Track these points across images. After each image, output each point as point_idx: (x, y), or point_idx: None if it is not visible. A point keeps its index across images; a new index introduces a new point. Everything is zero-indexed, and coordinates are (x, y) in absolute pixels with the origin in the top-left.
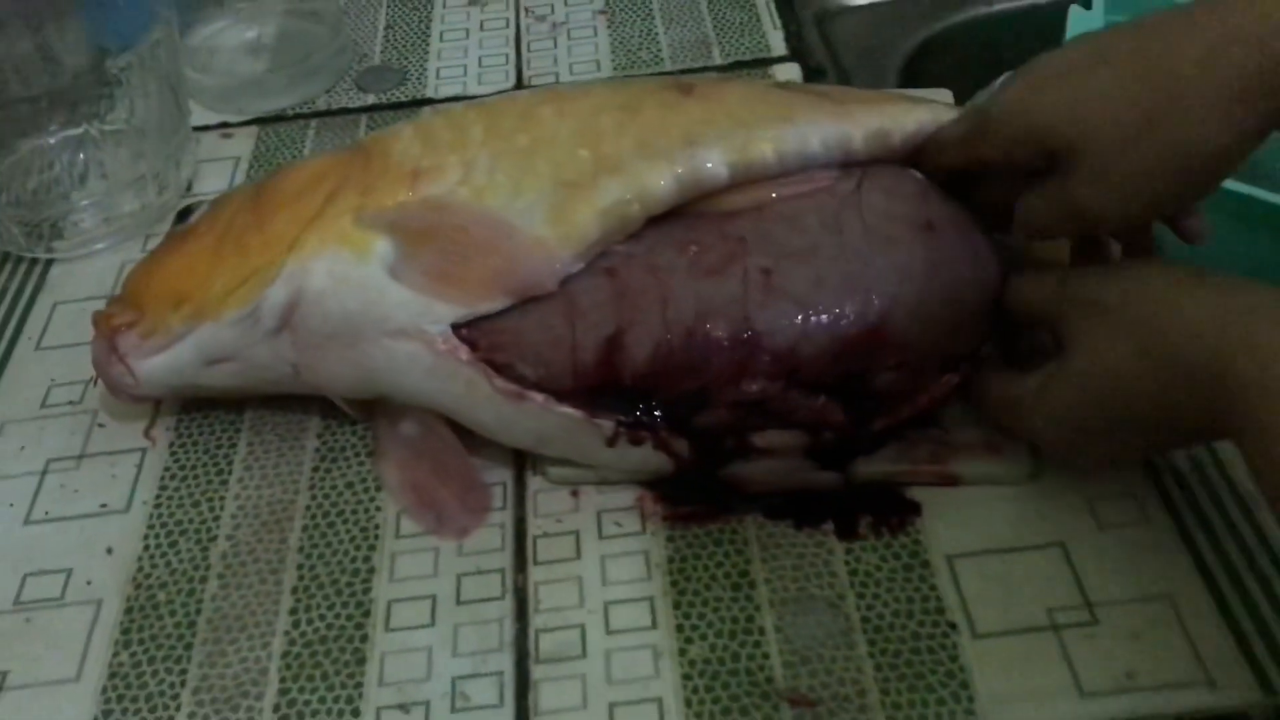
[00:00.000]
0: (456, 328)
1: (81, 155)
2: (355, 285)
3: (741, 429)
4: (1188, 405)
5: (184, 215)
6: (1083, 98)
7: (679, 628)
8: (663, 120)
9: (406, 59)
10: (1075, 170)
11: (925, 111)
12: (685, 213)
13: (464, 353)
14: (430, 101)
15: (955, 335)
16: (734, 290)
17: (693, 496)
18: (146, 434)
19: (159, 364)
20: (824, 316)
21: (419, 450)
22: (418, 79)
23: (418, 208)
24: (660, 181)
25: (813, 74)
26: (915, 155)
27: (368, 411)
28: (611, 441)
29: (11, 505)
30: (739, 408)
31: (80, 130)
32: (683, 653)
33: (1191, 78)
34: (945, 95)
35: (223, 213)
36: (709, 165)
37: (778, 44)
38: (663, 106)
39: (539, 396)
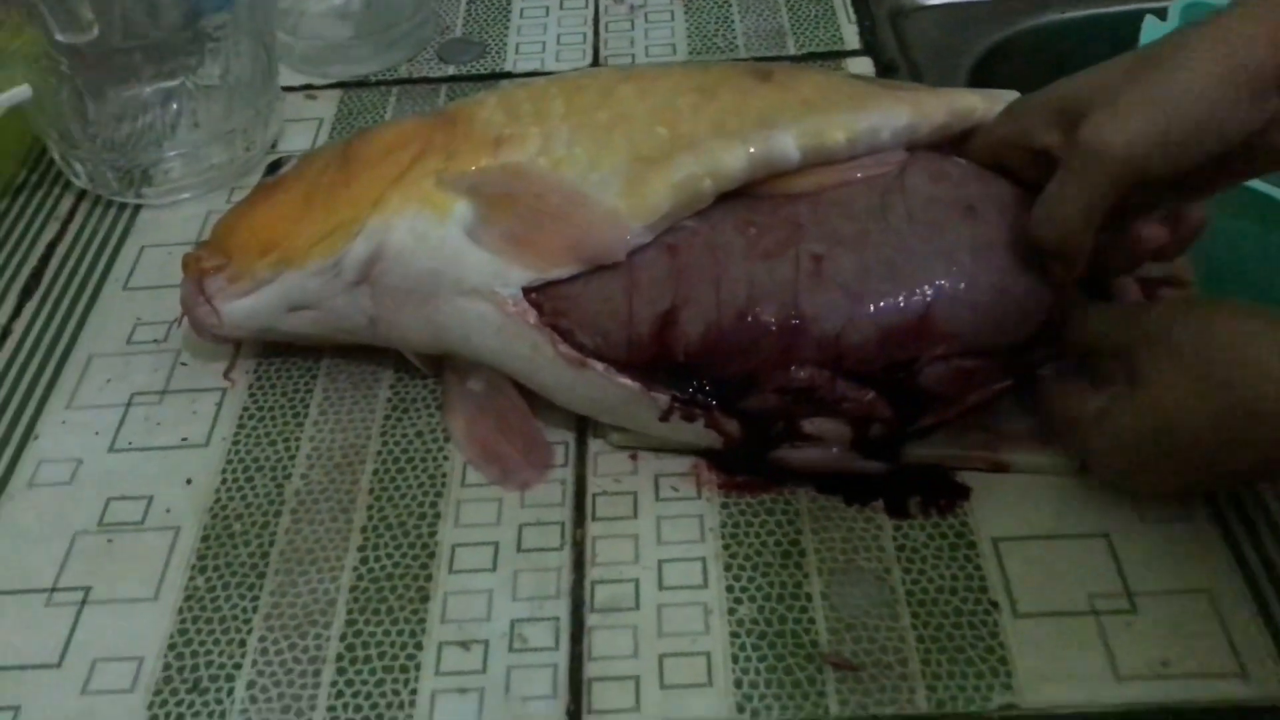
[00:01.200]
0: (527, 291)
1: (175, 107)
2: (434, 244)
3: (790, 415)
4: (1253, 446)
5: (274, 168)
6: (1103, 68)
7: (729, 588)
8: (739, 103)
9: (487, 33)
10: (1085, 115)
11: (992, 107)
12: (753, 193)
13: (532, 316)
14: (508, 75)
15: (1004, 324)
16: (785, 275)
17: (747, 468)
18: (226, 375)
19: (243, 307)
20: (869, 304)
21: (484, 406)
22: (497, 53)
23: (498, 173)
24: (733, 159)
25: (885, 69)
26: (964, 144)
27: (437, 367)
28: (665, 416)
29: (97, 434)
30: (786, 394)
31: (176, 83)
32: (732, 612)
33: (1200, 53)
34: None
35: (311, 167)
36: (782, 147)
37: (851, 38)
38: (740, 91)
39: (599, 365)
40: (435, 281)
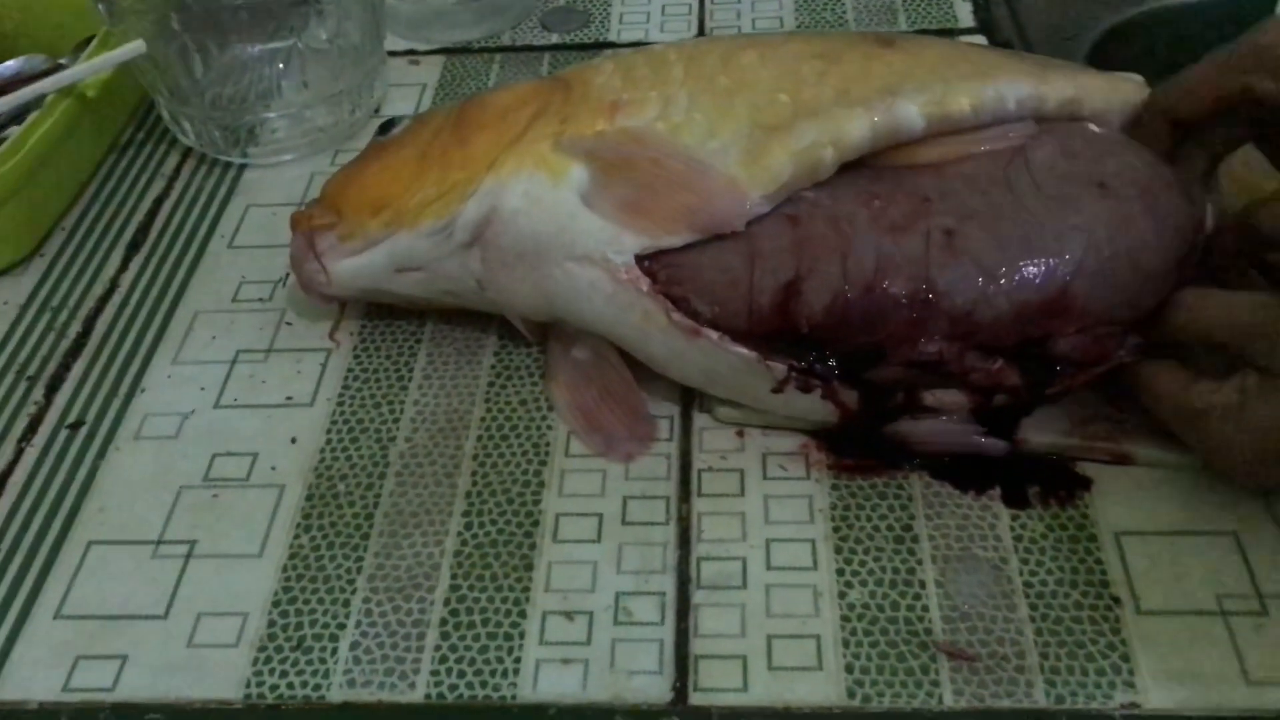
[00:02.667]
0: (640, 259)
1: (282, 67)
2: (548, 208)
3: (913, 386)
4: None
5: (386, 128)
6: None
7: (839, 571)
8: (864, 70)
9: (591, 2)
10: None
11: (1121, 86)
12: (871, 164)
13: (644, 284)
14: (612, 45)
15: (1138, 298)
16: (916, 249)
17: (859, 450)
18: (331, 336)
19: (352, 266)
20: (1004, 281)
21: (589, 375)
22: (601, 22)
23: (615, 137)
24: (857, 127)
25: (1000, 47)
26: (1134, 119)
27: (543, 334)
28: (780, 387)
29: (203, 389)
30: (914, 367)
31: (284, 44)
32: (842, 595)
33: None
34: (1136, 79)
35: (425, 128)
36: (906, 115)
37: (965, 15)
38: (864, 57)
39: (714, 334)
40: (547, 245)
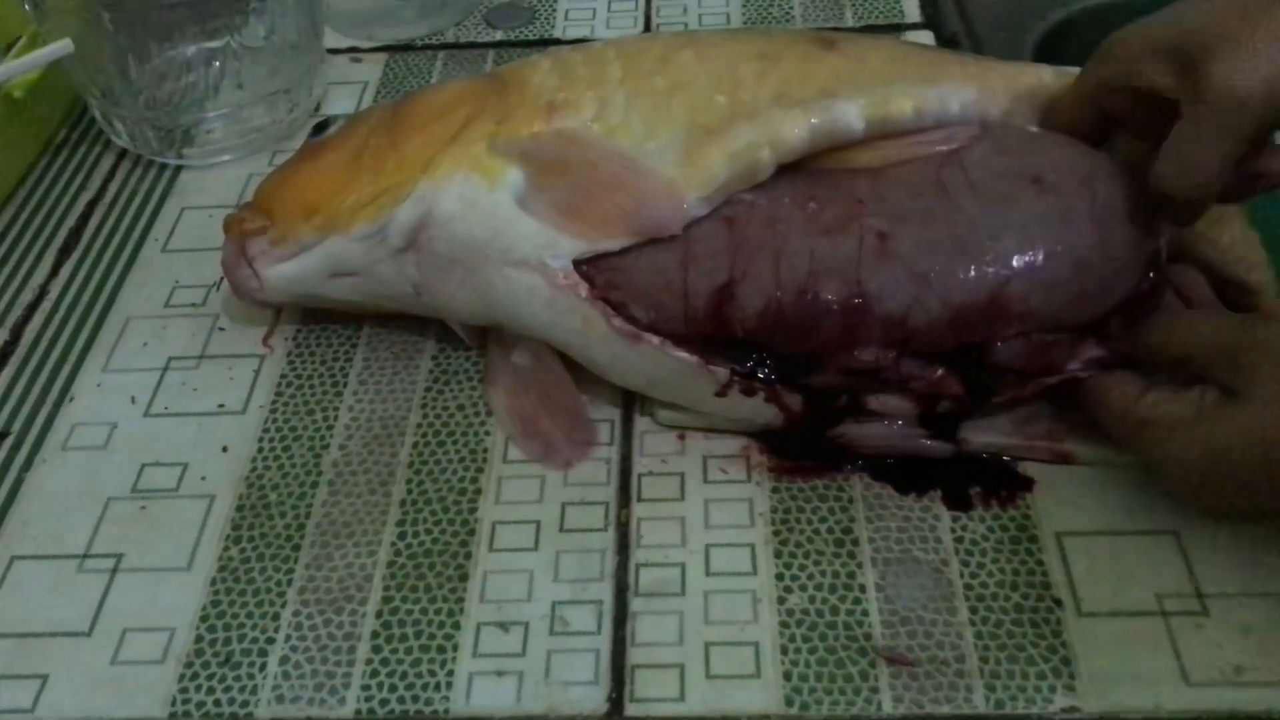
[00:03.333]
0: (578, 263)
1: (218, 66)
2: (484, 212)
3: (858, 391)
4: None
5: (320, 129)
6: (1207, 6)
7: (779, 576)
8: (803, 71)
9: None
10: (1210, 57)
11: (1063, 82)
12: (811, 167)
13: (583, 289)
14: (557, 42)
15: (1083, 300)
16: (848, 252)
17: (799, 451)
18: (265, 341)
19: (285, 271)
20: (937, 285)
21: (528, 380)
22: (546, 18)
23: (551, 139)
24: (794, 129)
25: (946, 43)
26: (1047, 117)
27: (481, 338)
28: (723, 390)
29: (133, 398)
30: (850, 374)
31: (220, 43)
32: (781, 601)
33: None
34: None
35: (359, 129)
36: (845, 117)
37: (912, 10)
38: (804, 58)
39: (655, 339)
40: (483, 250)
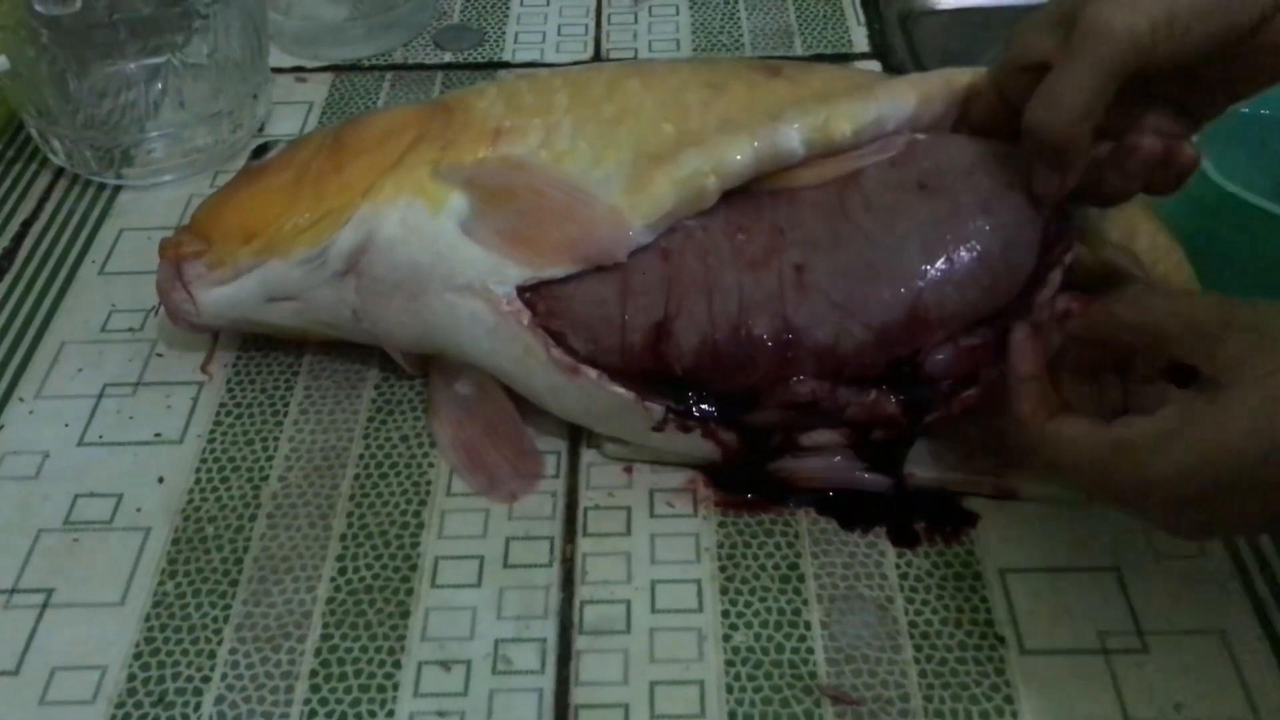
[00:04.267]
0: (521, 290)
1: (160, 85)
2: (426, 237)
3: (792, 428)
4: None
5: (260, 152)
6: None
7: (725, 613)
8: (748, 99)
9: (486, 20)
10: (1087, 3)
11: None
12: (749, 189)
13: (526, 317)
14: (506, 65)
15: (995, 288)
16: (772, 287)
17: (745, 485)
18: (204, 368)
19: (221, 295)
20: (856, 310)
21: (472, 410)
22: (495, 41)
23: (496, 165)
24: (738, 154)
25: (894, 73)
26: (963, 117)
27: (423, 367)
28: (660, 426)
29: (67, 425)
30: (790, 408)
31: (161, 60)
32: (727, 639)
33: None
34: None
35: (301, 153)
36: (786, 140)
37: (860, 40)
38: (749, 86)
39: (593, 372)
40: (425, 276)
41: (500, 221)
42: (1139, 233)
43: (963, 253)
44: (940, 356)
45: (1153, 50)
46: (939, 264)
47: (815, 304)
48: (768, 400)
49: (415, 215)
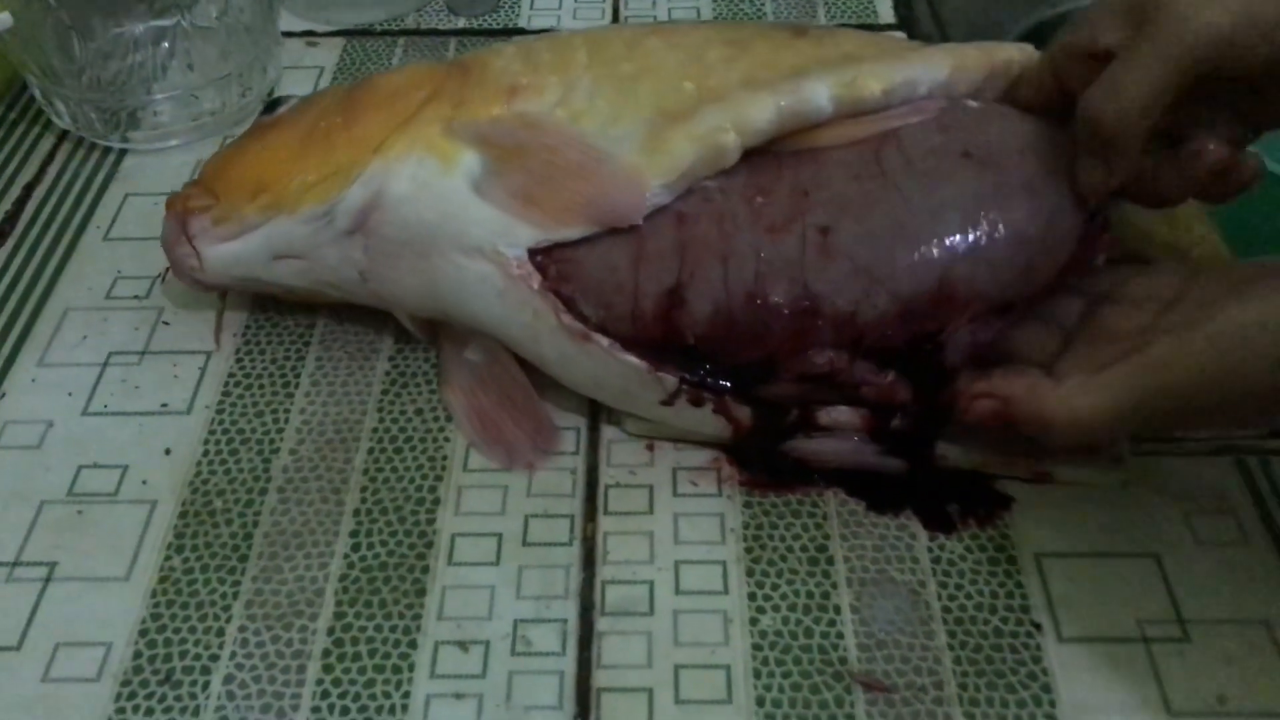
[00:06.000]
0: (532, 253)
1: (167, 46)
2: (436, 195)
3: (808, 402)
4: None
5: (272, 106)
6: None
7: (751, 596)
8: (772, 57)
9: None
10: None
11: (1030, 59)
12: (771, 149)
13: (536, 281)
14: (521, 31)
15: (1029, 272)
16: (792, 252)
17: (762, 463)
18: (215, 338)
19: (227, 251)
20: (882, 277)
21: (484, 379)
22: (511, 7)
23: (510, 123)
24: (761, 112)
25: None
26: (1011, 93)
27: (432, 332)
28: (671, 399)
29: (70, 394)
30: (807, 380)
31: (169, 21)
32: (754, 622)
33: None
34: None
35: (312, 108)
36: (814, 99)
37: (885, 11)
38: (774, 45)
39: (604, 340)
40: (435, 235)
41: (512, 180)
42: (1176, 217)
43: (1002, 230)
44: (966, 333)
45: (1229, 51)
46: (977, 237)
47: (839, 269)
48: (783, 372)
49: (426, 173)
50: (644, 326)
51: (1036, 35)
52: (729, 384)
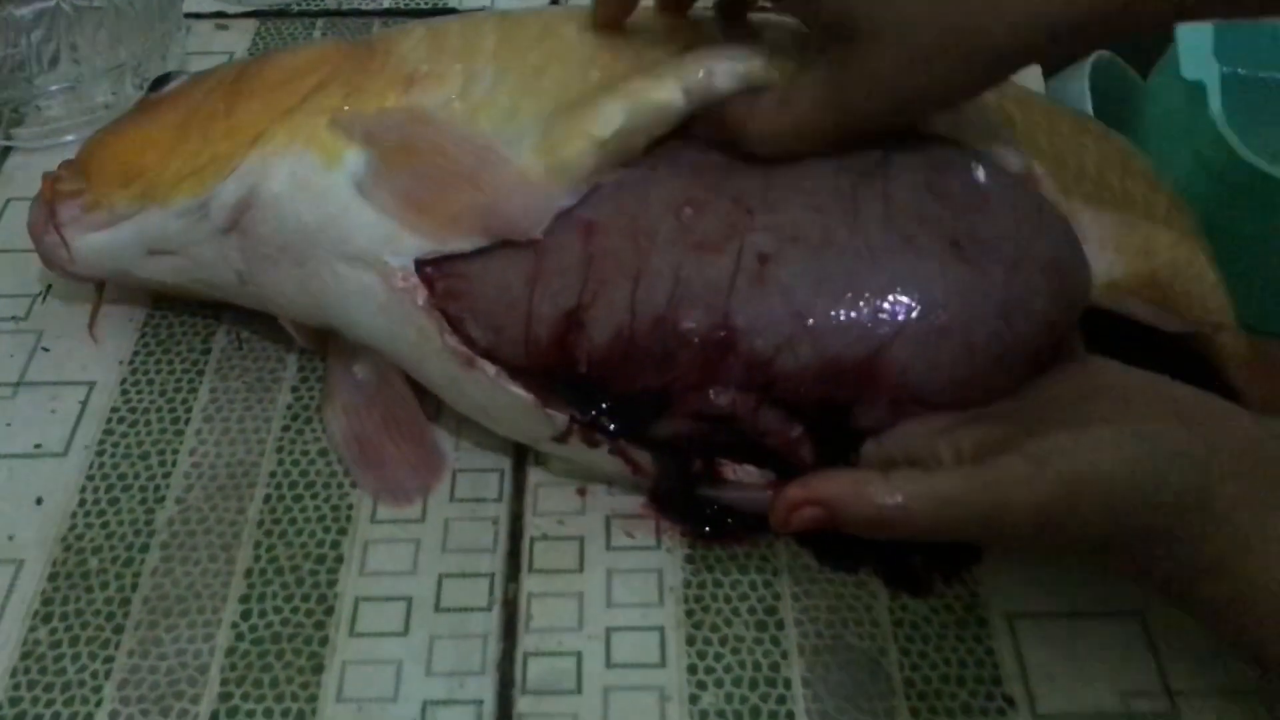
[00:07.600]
0: (421, 264)
1: (45, 33)
2: (316, 194)
3: (703, 444)
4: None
5: (159, 84)
6: None
7: (692, 669)
8: (695, 37)
9: None
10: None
11: None
12: (716, 156)
13: (421, 296)
14: (452, 11)
15: (968, 387)
16: (719, 276)
17: (678, 509)
18: (90, 329)
19: (97, 242)
20: (814, 326)
21: (370, 398)
22: None
23: (398, 117)
24: (664, 92)
25: None
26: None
27: (320, 341)
28: (563, 437)
29: None
30: (702, 420)
31: (51, 3)
32: (694, 700)
33: None
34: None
35: (197, 90)
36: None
37: None
38: (704, 25)
39: (490, 368)
40: (314, 239)
41: (398, 183)
42: (1155, 246)
43: (958, 338)
44: (875, 415)
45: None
46: (929, 332)
47: (769, 304)
48: (679, 407)
49: (306, 169)
50: (537, 353)
51: None
52: (618, 417)
